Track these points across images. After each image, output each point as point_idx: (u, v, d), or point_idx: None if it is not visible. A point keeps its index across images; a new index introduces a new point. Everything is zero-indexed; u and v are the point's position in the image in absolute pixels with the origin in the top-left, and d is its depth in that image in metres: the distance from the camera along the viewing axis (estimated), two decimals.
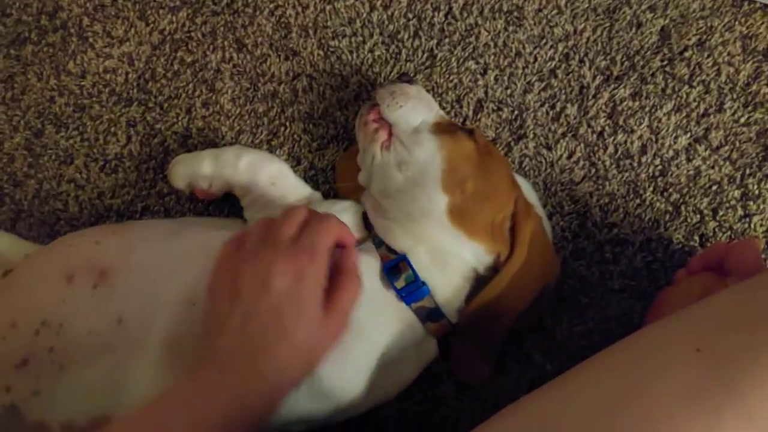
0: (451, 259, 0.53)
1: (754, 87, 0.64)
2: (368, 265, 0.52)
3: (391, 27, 0.68)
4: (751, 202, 0.61)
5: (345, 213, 0.57)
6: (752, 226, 0.61)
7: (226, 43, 0.69)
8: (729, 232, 0.61)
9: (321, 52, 0.68)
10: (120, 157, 0.68)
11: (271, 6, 0.70)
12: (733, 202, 0.62)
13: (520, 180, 0.58)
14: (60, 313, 0.51)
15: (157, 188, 0.67)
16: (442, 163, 0.53)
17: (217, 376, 0.41)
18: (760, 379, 0.35)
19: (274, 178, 0.59)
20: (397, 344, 0.52)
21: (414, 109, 0.56)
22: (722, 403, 0.35)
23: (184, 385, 0.42)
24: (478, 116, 0.66)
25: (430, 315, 0.53)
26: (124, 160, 0.68)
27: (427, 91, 0.67)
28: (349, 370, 0.50)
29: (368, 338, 0.51)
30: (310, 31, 0.69)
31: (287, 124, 0.67)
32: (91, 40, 0.71)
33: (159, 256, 0.54)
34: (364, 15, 0.69)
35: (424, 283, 0.51)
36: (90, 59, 0.70)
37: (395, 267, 0.52)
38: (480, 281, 0.54)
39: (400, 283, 0.51)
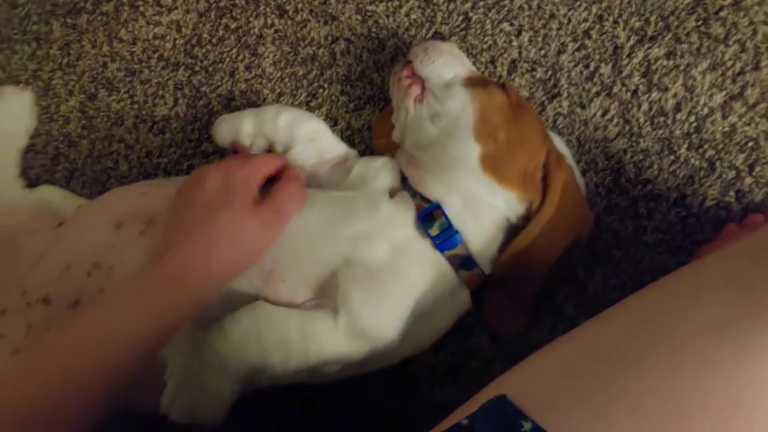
0: (483, 207, 0.54)
1: None
2: (403, 215, 0.54)
3: None
4: None
5: (382, 168, 0.59)
6: None
7: (268, 9, 0.72)
8: (766, 188, 0.61)
9: (359, 17, 0.71)
10: (167, 119, 0.71)
11: None
12: None
13: (553, 135, 0.59)
14: (110, 256, 0.54)
15: (202, 148, 0.70)
16: (474, 113, 0.54)
17: (160, 265, 0.47)
18: None
19: (312, 135, 0.61)
20: (431, 292, 0.54)
21: (446, 64, 0.57)
22: (753, 330, 0.35)
23: (136, 280, 0.48)
24: (512, 76, 0.67)
25: (464, 263, 0.54)
26: (171, 122, 0.71)
27: (462, 51, 0.68)
28: (384, 312, 0.52)
29: (403, 283, 0.52)
30: None
31: (325, 86, 0.69)
32: (141, 8, 0.75)
33: None
34: None
35: (457, 231, 0.53)
36: (140, 27, 0.74)
37: (429, 215, 0.53)
38: (512, 231, 0.55)
39: (434, 231, 0.53)
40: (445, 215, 0.53)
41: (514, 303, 0.58)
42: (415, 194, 0.55)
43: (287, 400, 0.62)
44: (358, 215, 0.53)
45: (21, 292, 0.57)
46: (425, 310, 0.54)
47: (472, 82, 0.57)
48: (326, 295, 0.51)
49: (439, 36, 0.60)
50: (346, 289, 0.50)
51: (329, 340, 0.50)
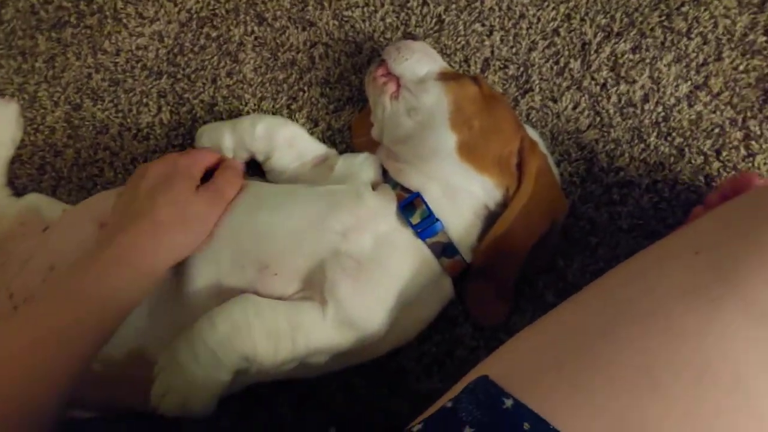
0: (462, 194, 0.56)
1: (751, 36, 0.67)
2: (386, 206, 0.55)
3: None
4: (754, 142, 0.63)
5: (364, 162, 0.61)
6: (756, 164, 0.63)
7: (247, 18, 0.74)
8: (733, 171, 0.63)
9: (336, 22, 0.73)
10: (151, 126, 0.73)
11: None
12: (735, 143, 0.64)
13: (525, 126, 0.61)
14: None
15: None
16: (449, 104, 0.56)
17: (111, 247, 0.50)
18: (756, 269, 0.36)
19: (290, 140, 0.63)
20: (415, 280, 0.55)
21: (419, 61, 0.60)
22: (721, 294, 0.36)
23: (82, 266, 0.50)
24: (486, 74, 0.69)
25: (445, 250, 0.56)
26: (155, 128, 0.73)
27: (436, 51, 0.71)
28: (372, 302, 0.53)
29: (389, 273, 0.54)
30: (326, 4, 0.74)
31: (305, 89, 0.71)
32: (124, 21, 0.77)
33: None
34: None
35: (437, 219, 0.54)
36: (124, 38, 0.76)
37: (410, 204, 0.55)
38: (491, 219, 0.57)
39: (415, 219, 0.54)
40: (425, 203, 0.55)
41: (494, 291, 0.59)
42: (395, 185, 0.57)
43: (277, 395, 0.62)
44: (345, 208, 0.54)
45: (8, 295, 0.57)
46: (410, 300, 0.55)
47: (445, 77, 0.59)
48: (314, 287, 0.52)
49: (410, 36, 0.62)
50: (334, 279, 0.51)
51: (317, 330, 0.51)
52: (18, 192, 0.73)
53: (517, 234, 0.56)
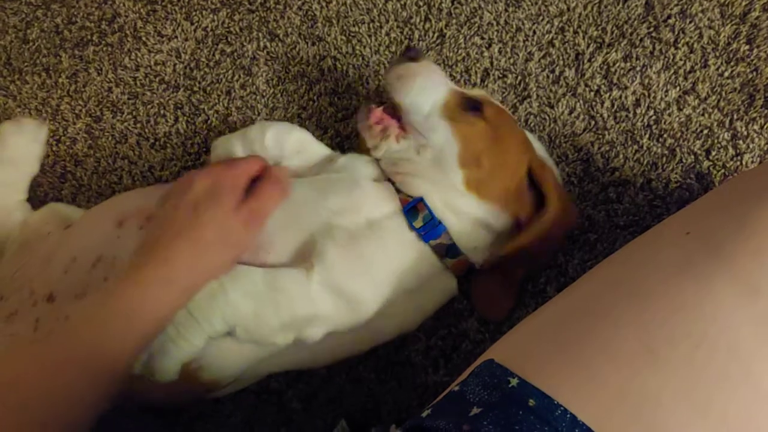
0: (464, 214, 0.57)
1: (735, 45, 0.71)
2: (385, 197, 0.57)
3: (404, 13, 0.78)
4: (741, 142, 0.67)
5: (368, 162, 0.63)
6: (744, 162, 0.66)
7: (260, 34, 0.79)
8: (723, 170, 0.66)
9: (343, 37, 0.77)
10: (168, 135, 0.76)
11: (299, 2, 0.80)
12: (724, 143, 0.67)
13: (529, 136, 0.62)
14: (113, 249, 0.57)
15: (201, 160, 0.75)
16: (458, 144, 0.57)
17: (146, 268, 0.49)
18: (745, 244, 0.38)
19: (299, 145, 0.64)
20: (413, 271, 0.56)
21: (423, 90, 0.58)
22: (713, 270, 0.38)
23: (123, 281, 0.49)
24: (485, 83, 0.73)
25: (449, 251, 0.57)
26: (172, 138, 0.76)
27: (438, 65, 0.75)
28: (360, 272, 0.54)
29: (381, 250, 0.55)
30: (334, 21, 0.78)
31: (315, 99, 0.75)
32: (144, 39, 0.81)
33: None
34: (380, 5, 0.78)
35: (440, 222, 0.56)
36: (143, 55, 0.80)
37: (413, 208, 0.56)
38: (495, 232, 0.58)
39: (418, 223, 0.56)
40: (428, 208, 0.56)
41: (500, 287, 0.61)
42: (399, 190, 0.58)
43: (287, 390, 0.64)
44: (341, 191, 0.56)
45: (29, 292, 0.59)
46: (409, 288, 0.56)
47: (452, 112, 0.58)
48: (304, 258, 0.53)
49: (411, 52, 0.60)
50: (323, 246, 0.53)
51: (301, 294, 0.52)
52: (39, 200, 0.76)
53: (538, 243, 0.57)
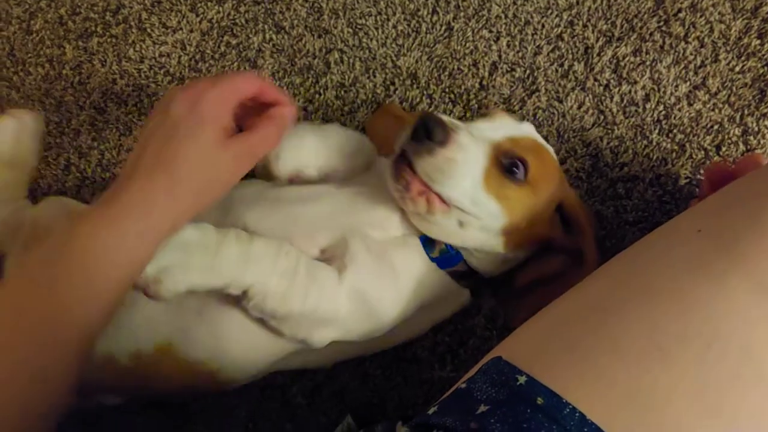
0: (487, 255, 0.56)
1: (746, 40, 0.70)
2: (392, 217, 0.55)
3: (411, 5, 0.77)
4: (752, 137, 0.66)
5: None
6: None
7: (266, 26, 0.78)
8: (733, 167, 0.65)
9: (350, 30, 0.77)
10: None
11: None
12: (734, 139, 0.66)
13: (527, 126, 0.58)
14: None
15: None
16: (504, 218, 0.53)
17: (121, 195, 0.43)
18: (758, 242, 0.38)
19: (314, 157, 0.59)
20: (430, 290, 0.55)
21: (466, 175, 0.50)
22: (726, 269, 0.38)
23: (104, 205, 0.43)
24: (494, 77, 0.73)
25: (464, 276, 0.57)
26: None
27: (446, 58, 0.74)
28: (387, 287, 0.53)
29: (405, 272, 0.54)
30: (340, 13, 0.77)
31: (321, 92, 0.75)
32: (148, 30, 0.80)
33: None
34: None
35: (457, 252, 0.55)
36: (147, 46, 0.80)
37: (429, 239, 0.55)
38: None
39: (435, 254, 0.55)
40: (447, 245, 0.55)
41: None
42: None
43: (292, 386, 0.63)
44: (372, 204, 0.55)
45: None
46: (424, 304, 0.56)
47: (494, 183, 0.51)
48: (334, 256, 0.53)
49: (439, 134, 0.49)
50: (356, 250, 0.51)
51: (330, 291, 0.50)
52: (43, 191, 0.75)
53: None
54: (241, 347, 0.53)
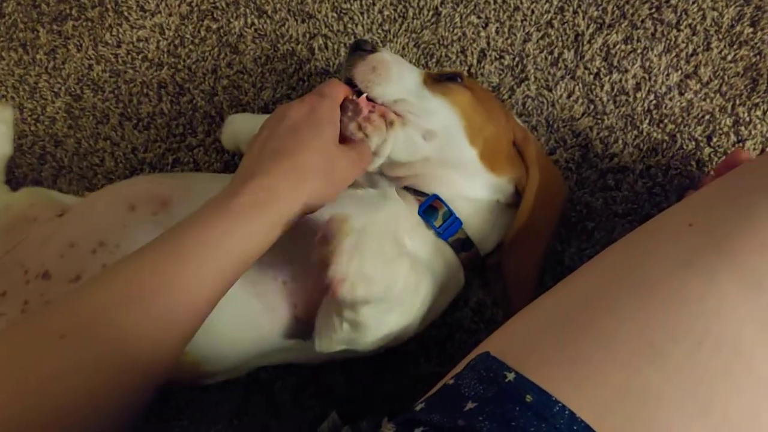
0: (477, 194, 0.56)
1: (738, 28, 0.69)
2: (404, 208, 0.54)
3: None
4: (743, 128, 0.65)
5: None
6: (745, 149, 0.64)
7: (247, 10, 0.76)
8: (724, 157, 0.65)
9: (335, 15, 0.74)
10: (152, 115, 0.73)
11: None
12: (725, 129, 0.65)
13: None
14: (118, 235, 0.54)
15: (186, 142, 0.72)
16: (460, 119, 0.54)
17: (241, 195, 0.43)
18: (750, 238, 0.37)
19: None
20: (441, 279, 0.54)
21: (404, 73, 0.54)
22: (716, 264, 0.37)
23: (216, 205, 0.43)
24: (482, 64, 0.71)
25: (464, 245, 0.56)
26: (156, 118, 0.73)
27: (433, 44, 0.72)
28: (425, 286, 0.51)
29: (435, 273, 0.53)
30: None
31: (305, 78, 0.73)
32: (125, 13, 0.78)
33: (214, 188, 0.58)
34: None
35: (457, 218, 0.55)
36: (125, 31, 0.77)
37: (430, 207, 0.54)
38: (502, 212, 0.58)
39: (438, 221, 0.54)
40: (445, 205, 0.54)
41: (521, 281, 0.58)
42: (408, 189, 0.56)
43: (276, 380, 0.62)
44: (374, 207, 0.54)
45: (23, 272, 0.56)
46: (434, 297, 0.54)
47: (436, 87, 0.55)
48: None
49: (365, 45, 0.55)
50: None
51: (422, 303, 0.50)
52: (18, 182, 0.73)
53: (538, 220, 0.56)
54: (224, 338, 0.52)
